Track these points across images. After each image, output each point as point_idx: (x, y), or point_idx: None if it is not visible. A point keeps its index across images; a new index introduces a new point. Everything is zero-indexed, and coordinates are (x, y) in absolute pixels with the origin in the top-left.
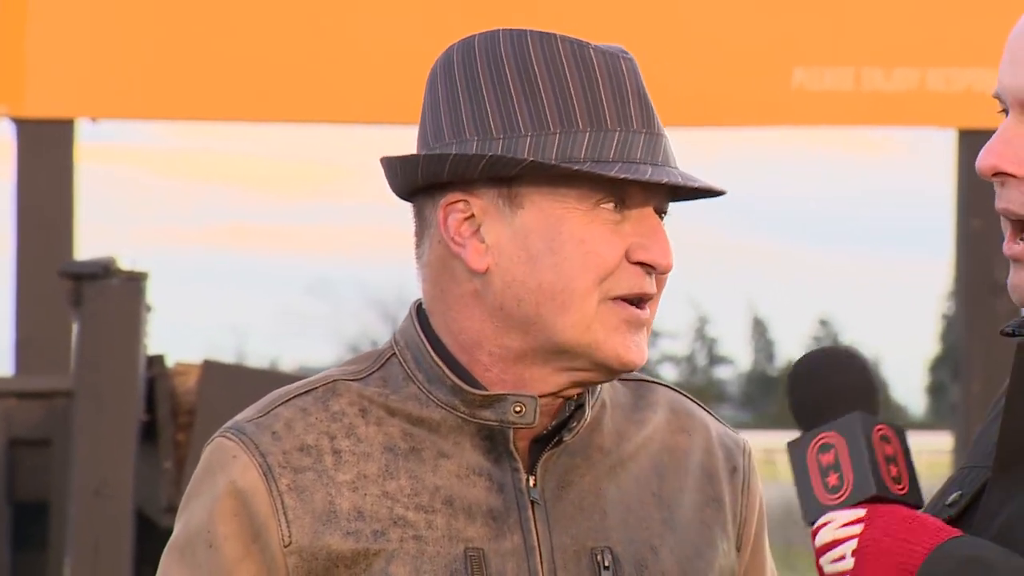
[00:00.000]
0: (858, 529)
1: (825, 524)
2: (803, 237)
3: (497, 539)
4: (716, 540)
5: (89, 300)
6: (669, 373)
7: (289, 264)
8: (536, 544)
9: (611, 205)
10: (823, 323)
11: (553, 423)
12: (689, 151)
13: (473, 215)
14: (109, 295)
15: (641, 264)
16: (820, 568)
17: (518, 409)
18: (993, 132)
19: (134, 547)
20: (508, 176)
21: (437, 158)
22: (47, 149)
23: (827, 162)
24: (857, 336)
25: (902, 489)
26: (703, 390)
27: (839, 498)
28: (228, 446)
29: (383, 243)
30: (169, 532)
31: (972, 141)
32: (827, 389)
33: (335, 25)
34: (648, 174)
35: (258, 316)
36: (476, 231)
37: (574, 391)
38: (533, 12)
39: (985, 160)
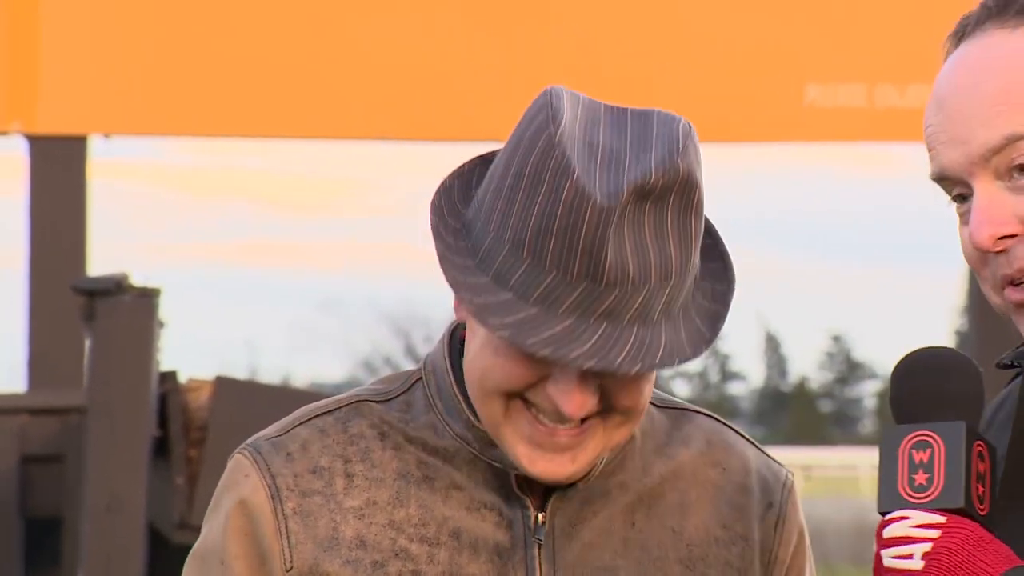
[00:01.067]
0: (935, 534)
1: (902, 519)
2: (816, 253)
3: None
4: None
5: (101, 316)
6: (681, 389)
7: (301, 280)
8: None
9: None
10: (836, 339)
11: None
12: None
13: None
14: (121, 311)
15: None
16: (879, 557)
17: None
18: None
19: (146, 563)
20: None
21: (436, 207)
22: (60, 165)
23: (840, 178)
24: (870, 352)
25: (983, 510)
26: (716, 406)
27: (923, 498)
28: (243, 464)
29: (395, 259)
30: (181, 548)
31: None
32: (943, 390)
33: (348, 41)
34: (536, 338)
35: (270, 332)
36: None
37: None
38: (539, 29)
39: (982, 233)
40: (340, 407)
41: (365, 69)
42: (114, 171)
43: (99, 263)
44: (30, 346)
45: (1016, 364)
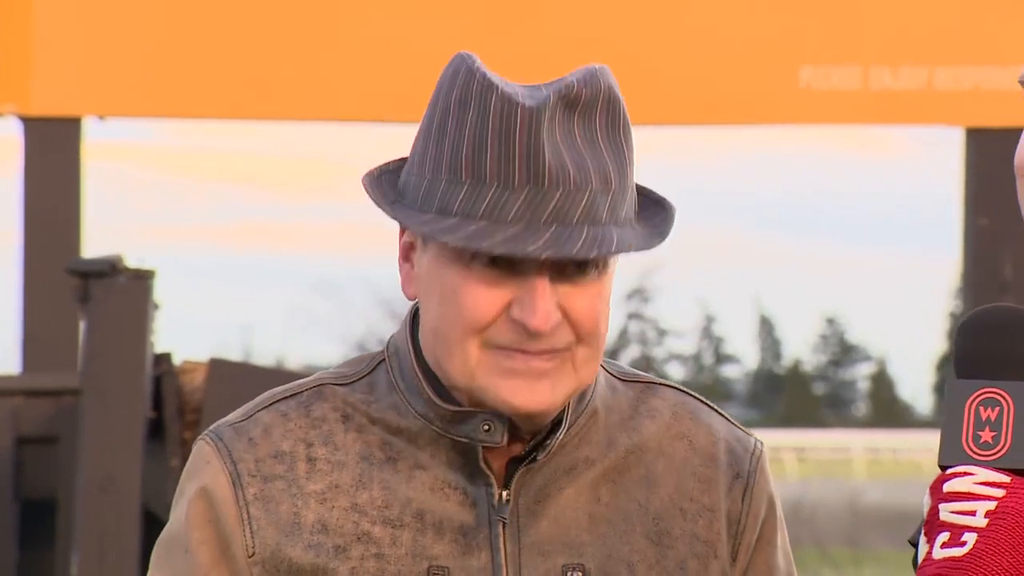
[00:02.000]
0: (1000, 493)
1: (965, 475)
2: (810, 235)
3: (464, 556)
4: (705, 552)
5: (96, 298)
6: (676, 372)
7: (296, 262)
8: (503, 563)
9: (484, 260)
10: (830, 321)
11: (531, 442)
12: (695, 149)
13: (413, 242)
14: (116, 293)
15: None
16: (936, 511)
17: (487, 428)
18: (1000, 130)
19: (141, 544)
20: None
21: (369, 186)
22: (54, 147)
23: (834, 160)
24: (864, 334)
25: None
26: (710, 389)
27: (989, 456)
28: (205, 450)
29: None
30: None
31: (980, 139)
32: (1015, 348)
33: (343, 23)
34: (492, 240)
35: (265, 314)
36: (414, 258)
37: (525, 426)
38: (536, 12)
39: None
40: (302, 391)
41: (362, 51)
42: (109, 153)
43: (93, 245)
44: (24, 328)
45: None
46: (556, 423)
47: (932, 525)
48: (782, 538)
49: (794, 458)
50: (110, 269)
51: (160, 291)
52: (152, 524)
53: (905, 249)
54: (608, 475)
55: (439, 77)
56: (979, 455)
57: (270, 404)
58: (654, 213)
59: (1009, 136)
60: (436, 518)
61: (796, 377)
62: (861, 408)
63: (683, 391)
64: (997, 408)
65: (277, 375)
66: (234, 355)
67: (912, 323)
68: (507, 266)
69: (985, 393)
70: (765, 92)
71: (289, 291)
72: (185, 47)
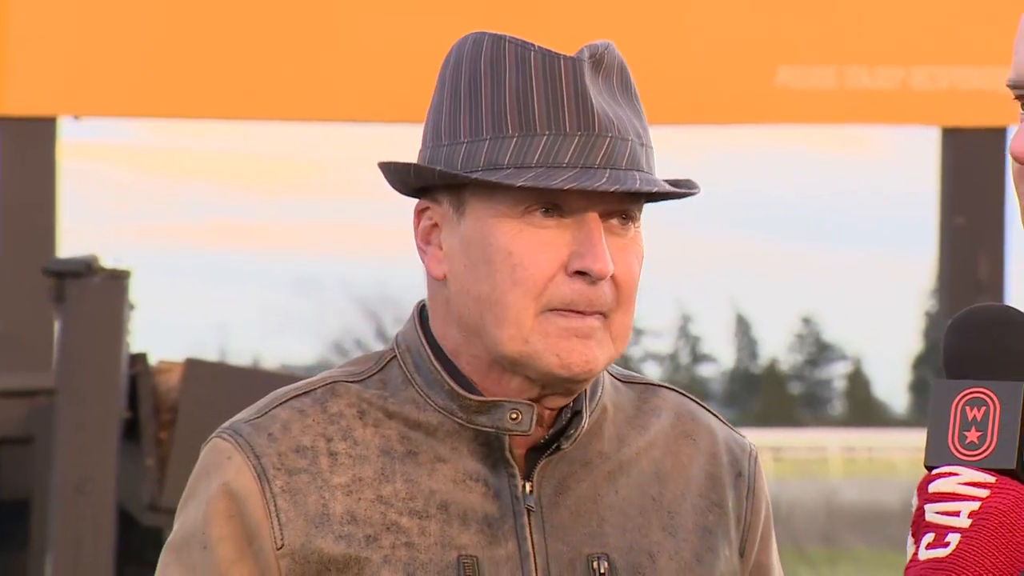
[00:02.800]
0: (984, 493)
1: (950, 475)
2: (786, 235)
3: (491, 546)
4: (718, 546)
5: (71, 298)
6: (652, 371)
7: (272, 262)
8: (531, 551)
9: (539, 211)
10: (806, 321)
11: (552, 430)
12: (672, 149)
13: (436, 223)
14: (91, 293)
15: (581, 273)
16: (922, 511)
17: (514, 416)
18: (976, 130)
19: (116, 544)
20: (457, 184)
21: (389, 166)
22: (30, 147)
23: (811, 160)
24: (840, 334)
25: None
26: (686, 388)
27: (974, 456)
28: (224, 447)
29: (366, 241)
30: (151, 529)
31: (956, 139)
32: (1004, 347)
33: (319, 23)
34: (558, 179)
35: (241, 314)
36: (439, 238)
37: (555, 402)
38: (518, 11)
39: (1016, 145)
40: (315, 388)
41: (339, 51)
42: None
43: (69, 245)
44: None
45: None
46: (575, 413)
47: (918, 526)
48: (774, 538)
49: (770, 457)
50: (85, 269)
51: (136, 291)
52: (127, 524)
53: (881, 249)
54: (622, 469)
55: (449, 55)
56: (965, 455)
57: (284, 401)
58: (670, 183)
59: (985, 136)
60: (460, 509)
61: (772, 376)
62: (837, 407)
63: (681, 393)
64: (983, 408)
65: (253, 375)
66: (210, 355)
67: (888, 322)
68: (560, 217)
69: (971, 393)
70: (742, 91)
71: (265, 291)
72: (161, 47)
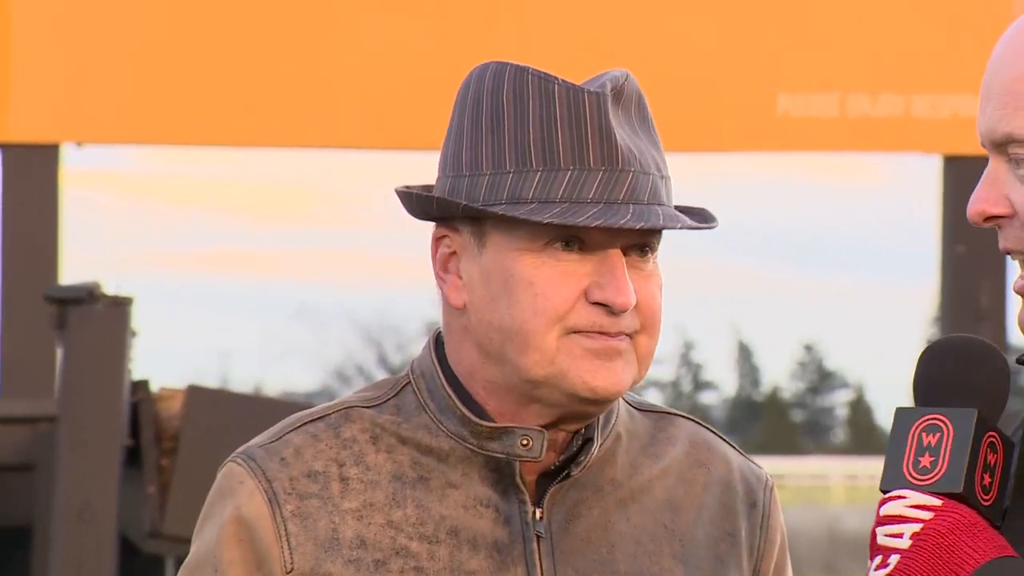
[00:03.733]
0: (927, 516)
1: (898, 497)
2: (788, 263)
3: (500, 571)
4: (729, 575)
5: (73, 325)
6: (654, 398)
7: (273, 289)
8: None
9: (560, 245)
10: (808, 348)
11: (562, 457)
12: (675, 176)
13: (455, 251)
14: (93, 320)
15: (600, 305)
16: (874, 534)
17: (525, 442)
18: (977, 158)
19: (117, 572)
20: (478, 215)
21: (410, 195)
22: (32, 173)
23: (812, 188)
24: (842, 361)
25: (988, 500)
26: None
27: (925, 480)
28: (237, 471)
29: (367, 268)
30: (152, 557)
31: (957, 167)
32: (963, 376)
33: (319, 50)
34: (583, 216)
35: (243, 341)
36: (457, 267)
37: (571, 426)
38: (517, 39)
39: (973, 207)
40: (330, 413)
41: (340, 78)
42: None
43: (71, 272)
44: (1, 355)
45: None
46: (586, 440)
47: (871, 548)
48: (790, 570)
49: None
50: (87, 296)
51: (138, 318)
52: (129, 552)
53: (882, 277)
54: (634, 497)
55: (467, 84)
56: (917, 480)
57: (299, 426)
58: (686, 211)
59: (986, 164)
60: (471, 535)
61: (774, 404)
62: (839, 435)
63: (696, 422)
64: (938, 434)
65: (255, 402)
66: (212, 382)
67: (890, 350)
68: (581, 250)
69: (928, 420)
70: (743, 119)
71: (266, 318)
72: (163, 74)
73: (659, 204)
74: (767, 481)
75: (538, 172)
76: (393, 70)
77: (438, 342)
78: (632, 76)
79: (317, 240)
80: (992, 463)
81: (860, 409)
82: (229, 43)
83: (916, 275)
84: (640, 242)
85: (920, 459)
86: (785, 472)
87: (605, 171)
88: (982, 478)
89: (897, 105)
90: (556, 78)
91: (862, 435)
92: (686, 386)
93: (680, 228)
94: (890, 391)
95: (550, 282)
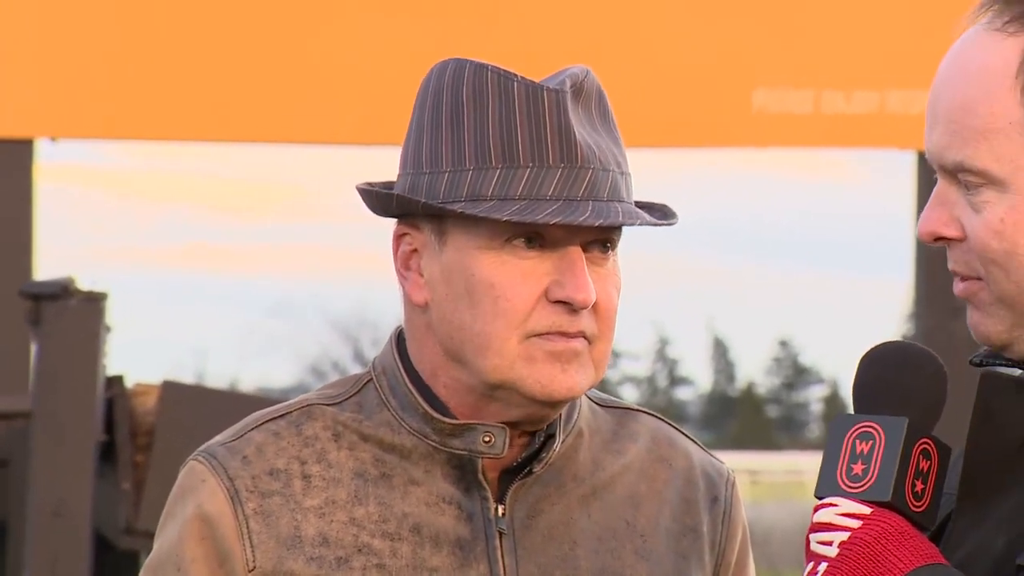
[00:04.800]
0: (856, 524)
1: (830, 505)
2: (763, 258)
3: (463, 568)
4: (690, 570)
5: (48, 320)
6: (630, 394)
7: (250, 284)
8: (502, 573)
9: (521, 242)
10: (783, 344)
11: (524, 453)
12: (650, 171)
13: (416, 248)
14: (68, 315)
15: (561, 303)
16: (807, 541)
17: (487, 439)
18: None
19: (92, 567)
20: (438, 213)
21: (371, 192)
22: (6, 169)
23: (787, 184)
24: (817, 357)
25: (920, 507)
26: (663, 411)
27: (856, 488)
28: (198, 470)
29: (344, 264)
30: (127, 553)
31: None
32: (896, 383)
33: (298, 46)
34: (543, 213)
35: (219, 336)
36: (419, 264)
37: (529, 427)
38: (495, 35)
39: (924, 227)
40: (291, 411)
41: (316, 74)
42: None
43: (46, 267)
44: None
45: (985, 363)
46: (548, 436)
47: (806, 555)
48: (752, 564)
49: (747, 481)
50: (62, 292)
51: (113, 313)
52: (103, 548)
53: (858, 272)
54: (596, 493)
55: (428, 81)
56: (849, 487)
57: (260, 424)
58: (647, 207)
59: None
60: (433, 532)
61: (749, 400)
62: (814, 430)
63: (658, 417)
64: (870, 442)
65: (230, 398)
66: (187, 378)
67: (865, 346)
68: (541, 248)
69: (862, 427)
70: (718, 115)
71: (242, 313)
72: (138, 69)
73: (619, 200)
74: (728, 476)
75: (497, 169)
76: (371, 66)
77: (400, 339)
78: (592, 72)
79: (293, 236)
80: (925, 469)
81: (835, 404)
82: (204, 38)
83: (891, 271)
84: (600, 238)
85: (853, 466)
86: (760, 468)
87: (564, 168)
88: (913, 485)
89: (872, 101)
90: (515, 75)
91: None
92: (661, 382)
93: (639, 224)
94: None
95: (511, 283)
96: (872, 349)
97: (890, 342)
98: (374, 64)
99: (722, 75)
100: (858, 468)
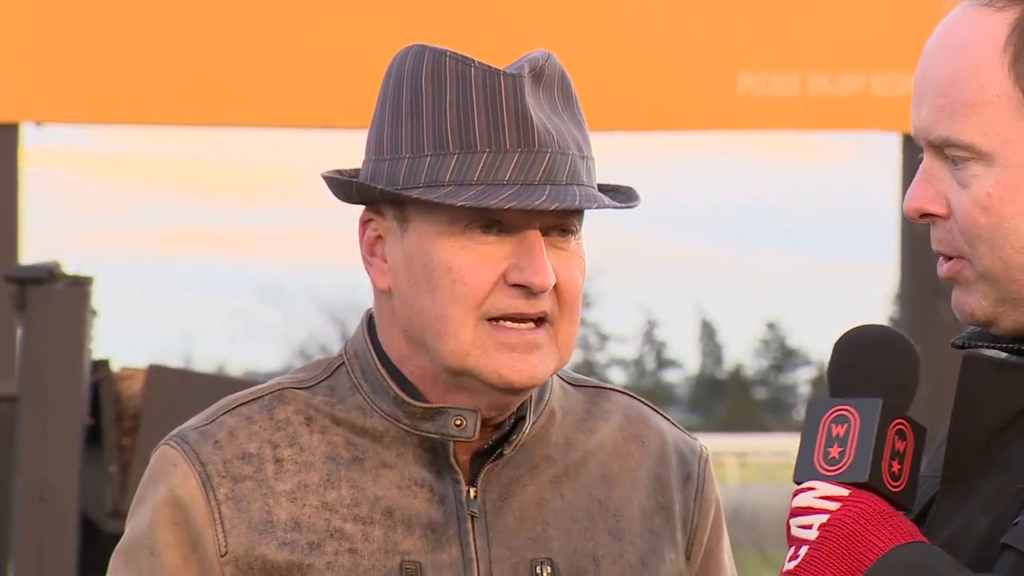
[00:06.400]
0: (834, 506)
1: (808, 489)
2: (750, 241)
3: (435, 551)
4: (663, 549)
5: (33, 305)
6: (617, 376)
7: (237, 268)
8: (474, 556)
9: (480, 227)
10: (770, 326)
11: (495, 436)
12: (635, 155)
13: (380, 235)
14: (53, 300)
15: (519, 287)
16: (788, 526)
17: (458, 423)
18: None
19: (79, 552)
20: (396, 199)
21: (333, 180)
22: None
23: (773, 166)
24: (805, 339)
25: (897, 487)
26: (651, 393)
27: (833, 471)
28: (170, 454)
29: (332, 248)
30: (114, 536)
31: (916, 145)
32: (869, 365)
33: (285, 29)
34: (498, 198)
35: (206, 320)
36: (383, 250)
37: (494, 413)
38: (480, 17)
39: (909, 203)
40: (263, 395)
41: (304, 57)
42: (47, 159)
43: (31, 251)
44: None
45: (967, 345)
46: (519, 419)
47: (788, 540)
48: (726, 540)
49: (735, 463)
50: (47, 276)
51: (99, 297)
52: (90, 532)
53: (844, 254)
54: (568, 473)
55: (391, 68)
56: (827, 471)
57: (232, 408)
58: (611, 190)
59: None
60: (405, 515)
61: (737, 382)
62: (802, 412)
63: (631, 396)
64: (846, 425)
65: (216, 382)
66: (174, 362)
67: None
68: (500, 232)
69: (838, 411)
70: (704, 98)
71: (230, 297)
72: (124, 52)
73: (578, 184)
74: (702, 453)
75: (455, 155)
76: (361, 49)
77: (371, 323)
78: (555, 57)
79: (281, 220)
80: (901, 450)
81: (823, 386)
82: (191, 21)
83: (877, 253)
84: (559, 223)
85: (830, 450)
86: (748, 449)
87: (521, 153)
88: (890, 466)
89: (857, 83)
90: (473, 61)
91: None
92: (649, 364)
93: (596, 207)
94: None
95: (468, 266)
96: (844, 334)
97: (861, 326)
98: (364, 47)
99: (707, 58)
100: (835, 451)
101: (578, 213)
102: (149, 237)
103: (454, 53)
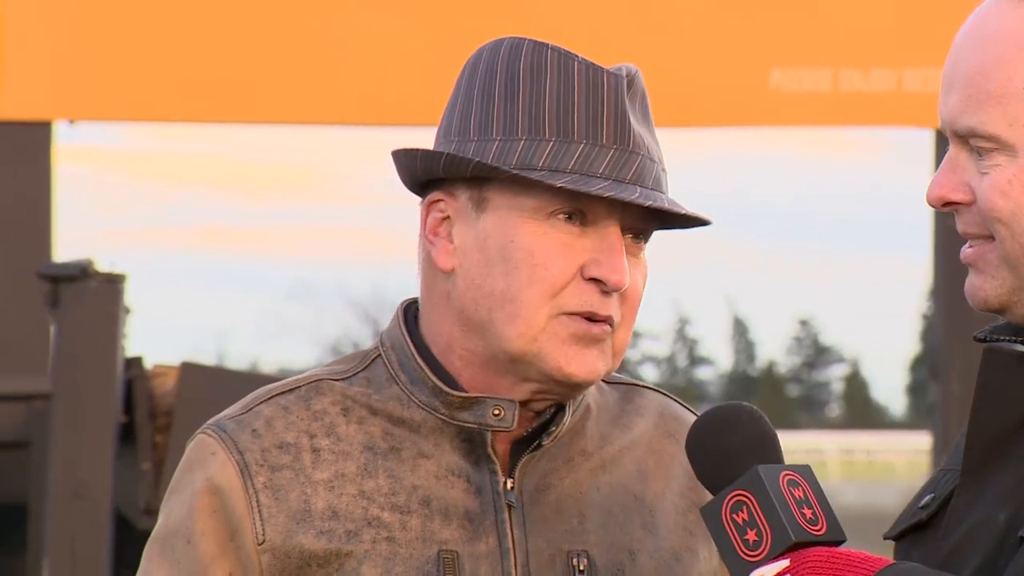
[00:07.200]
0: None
1: None
2: (783, 237)
3: (472, 541)
4: (697, 546)
5: (67, 302)
6: (650, 374)
7: (269, 266)
8: (511, 547)
9: (564, 217)
10: (803, 323)
11: (533, 426)
12: (669, 151)
13: (449, 216)
14: (87, 297)
15: (595, 281)
16: None
17: (497, 412)
18: None
19: (112, 549)
20: (481, 178)
21: (415, 153)
22: (24, 151)
23: (805, 162)
24: (838, 336)
25: (819, 529)
26: (683, 391)
27: (761, 553)
28: (208, 443)
29: (363, 245)
30: (147, 534)
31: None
32: (724, 449)
33: (315, 26)
34: (596, 187)
35: (238, 318)
36: (449, 231)
37: (540, 405)
38: (511, 16)
39: (932, 192)
40: (300, 386)
41: (335, 55)
42: (80, 157)
43: (64, 249)
44: None
45: (989, 339)
46: (557, 410)
47: None
48: None
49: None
50: (81, 273)
51: (132, 295)
52: (123, 529)
53: (877, 250)
54: (605, 467)
55: (479, 55)
56: (755, 556)
57: (269, 398)
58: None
59: None
60: (442, 505)
61: (770, 379)
62: (835, 409)
63: (663, 393)
64: (744, 508)
65: (249, 379)
66: (207, 359)
67: (885, 324)
68: (582, 225)
69: (730, 500)
70: (736, 94)
71: (263, 295)
72: (155, 51)
73: (659, 190)
74: None
75: (551, 142)
76: (390, 46)
77: (407, 313)
78: (640, 72)
79: (313, 217)
80: (802, 497)
81: (856, 383)
82: (225, 19)
83: (910, 249)
84: (639, 226)
85: (746, 537)
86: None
87: (617, 149)
88: (803, 514)
89: (889, 80)
90: (576, 55)
91: (858, 409)
92: (681, 361)
93: (683, 212)
94: (886, 365)
95: (550, 253)
96: (687, 436)
97: (697, 420)
98: (393, 45)
99: (739, 54)
100: (751, 536)
101: (655, 222)
102: (182, 235)
103: (556, 46)
